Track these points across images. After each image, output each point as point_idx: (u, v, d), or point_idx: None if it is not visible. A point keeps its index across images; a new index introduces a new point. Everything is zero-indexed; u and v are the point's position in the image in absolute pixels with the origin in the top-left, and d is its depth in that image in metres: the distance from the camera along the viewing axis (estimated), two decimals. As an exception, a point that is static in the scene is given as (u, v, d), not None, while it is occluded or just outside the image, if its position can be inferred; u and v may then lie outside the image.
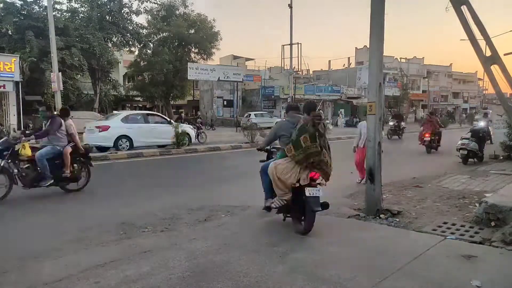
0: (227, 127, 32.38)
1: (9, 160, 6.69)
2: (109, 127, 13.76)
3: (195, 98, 39.25)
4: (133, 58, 34.35)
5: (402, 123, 22.42)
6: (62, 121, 7.39)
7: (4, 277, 3.60)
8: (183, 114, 31.19)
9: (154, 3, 28.51)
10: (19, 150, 6.82)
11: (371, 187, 5.52)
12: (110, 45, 25.78)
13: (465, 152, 11.31)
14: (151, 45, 31.48)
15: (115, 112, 18.40)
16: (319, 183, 4.67)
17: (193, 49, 33.81)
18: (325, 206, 4.49)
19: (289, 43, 22.82)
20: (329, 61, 71.66)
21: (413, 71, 49.79)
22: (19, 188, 6.93)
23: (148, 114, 15.99)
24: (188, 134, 15.77)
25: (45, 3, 21.32)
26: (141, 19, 30.29)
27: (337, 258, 3.91)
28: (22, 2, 22.20)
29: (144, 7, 27.69)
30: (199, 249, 4.16)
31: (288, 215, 5.00)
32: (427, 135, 14.49)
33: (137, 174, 10.42)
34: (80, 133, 17.50)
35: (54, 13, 18.98)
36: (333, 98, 39.46)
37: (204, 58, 33.70)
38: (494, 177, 8.68)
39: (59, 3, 24.05)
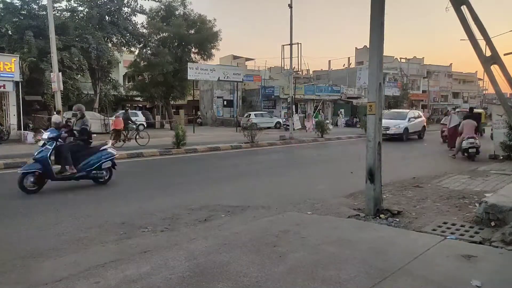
0: (227, 127, 32.40)
1: None
2: None
3: (195, 98, 39.24)
4: (133, 58, 34.36)
5: None
6: None
7: (4, 277, 3.60)
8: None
9: (154, 0, 28.50)
10: None
11: (371, 187, 5.52)
12: (110, 45, 25.78)
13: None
14: (151, 45, 31.50)
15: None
16: None
17: (193, 49, 33.81)
18: None
19: (289, 43, 22.72)
20: (329, 61, 71.76)
21: (413, 71, 49.87)
22: (18, 189, 7.03)
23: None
24: None
25: (44, 2, 21.33)
26: (141, 19, 30.26)
27: (337, 258, 3.90)
28: (21, 1, 22.18)
29: (141, 6, 27.64)
30: (199, 249, 4.15)
31: None
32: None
33: (136, 174, 10.41)
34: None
35: (53, 13, 19.00)
36: (333, 98, 39.49)
37: (204, 58, 33.70)
38: (494, 177, 8.69)
39: (58, 2, 24.08)
